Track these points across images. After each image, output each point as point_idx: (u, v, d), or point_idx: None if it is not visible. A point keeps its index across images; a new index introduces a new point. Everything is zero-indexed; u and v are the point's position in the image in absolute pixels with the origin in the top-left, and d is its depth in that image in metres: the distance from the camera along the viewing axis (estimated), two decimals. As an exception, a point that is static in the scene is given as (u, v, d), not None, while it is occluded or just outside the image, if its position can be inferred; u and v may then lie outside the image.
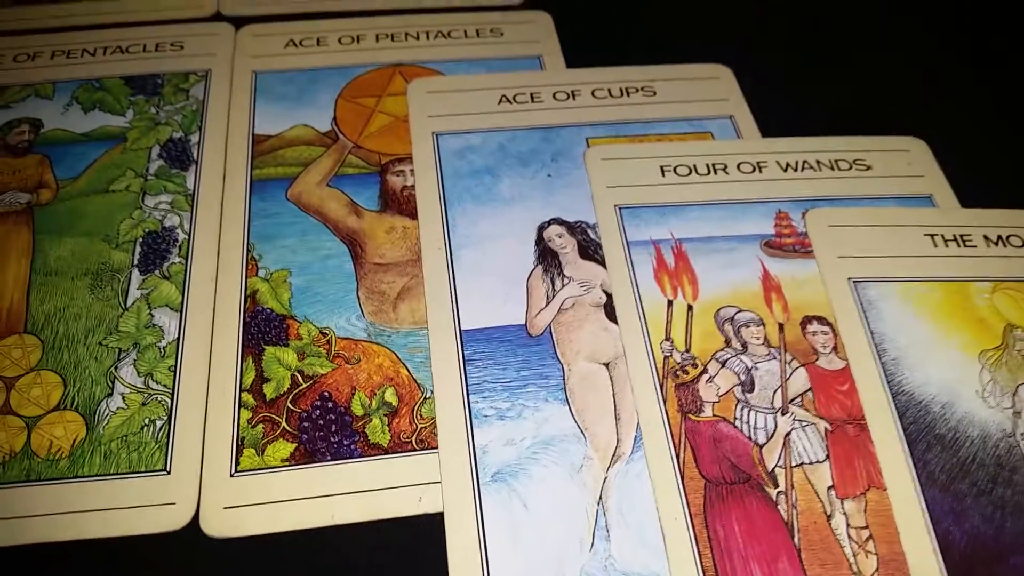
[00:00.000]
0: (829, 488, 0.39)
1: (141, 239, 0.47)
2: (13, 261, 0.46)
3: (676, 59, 0.56)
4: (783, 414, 0.40)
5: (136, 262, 0.46)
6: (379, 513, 0.38)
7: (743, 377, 0.41)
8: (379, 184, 0.49)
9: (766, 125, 0.53)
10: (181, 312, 0.44)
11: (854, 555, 0.37)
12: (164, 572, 0.37)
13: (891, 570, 0.37)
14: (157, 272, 0.45)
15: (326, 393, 0.41)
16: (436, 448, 0.39)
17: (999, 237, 0.47)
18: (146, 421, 0.40)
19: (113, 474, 0.39)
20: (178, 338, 0.43)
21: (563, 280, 0.45)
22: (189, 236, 0.47)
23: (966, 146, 0.52)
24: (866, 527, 0.38)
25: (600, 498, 0.38)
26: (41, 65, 0.55)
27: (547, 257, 0.46)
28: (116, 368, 0.42)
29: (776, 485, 0.38)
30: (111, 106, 0.53)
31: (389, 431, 0.40)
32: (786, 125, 0.53)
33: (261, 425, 0.40)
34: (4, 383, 0.42)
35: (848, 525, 0.38)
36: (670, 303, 0.44)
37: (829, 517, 0.38)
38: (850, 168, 0.50)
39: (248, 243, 0.46)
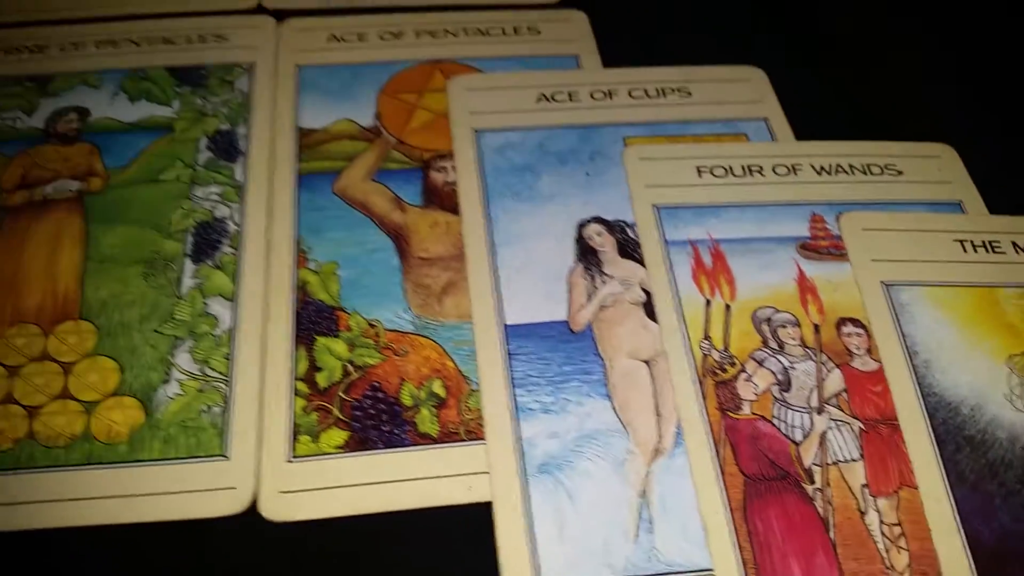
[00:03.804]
0: (863, 486, 0.40)
1: (193, 229, 0.48)
2: (66, 248, 0.47)
3: (710, 60, 0.57)
4: (819, 413, 0.42)
5: (188, 251, 0.47)
6: (431, 500, 0.39)
7: (780, 376, 0.43)
8: (422, 180, 0.50)
9: (799, 128, 0.54)
10: (234, 302, 0.45)
11: (887, 551, 0.38)
12: (225, 554, 0.38)
13: (923, 566, 0.38)
14: (209, 262, 0.46)
15: (376, 383, 0.42)
16: (484, 439, 0.41)
17: (1028, 245, 0.49)
18: (204, 407, 0.42)
19: (173, 459, 0.40)
20: (232, 327, 0.44)
21: (603, 278, 0.46)
22: (239, 228, 0.48)
23: (995, 153, 0.53)
24: (898, 524, 0.39)
25: (643, 492, 0.39)
26: (87, 54, 0.56)
27: (587, 255, 0.47)
28: (172, 355, 0.43)
29: (812, 482, 0.40)
30: (157, 96, 0.54)
31: (438, 421, 0.41)
32: (818, 128, 0.54)
33: (315, 413, 0.41)
34: (62, 367, 0.43)
35: (881, 522, 0.39)
36: (708, 302, 0.45)
37: (863, 514, 0.39)
38: (882, 173, 0.51)
39: (297, 235, 0.47)
